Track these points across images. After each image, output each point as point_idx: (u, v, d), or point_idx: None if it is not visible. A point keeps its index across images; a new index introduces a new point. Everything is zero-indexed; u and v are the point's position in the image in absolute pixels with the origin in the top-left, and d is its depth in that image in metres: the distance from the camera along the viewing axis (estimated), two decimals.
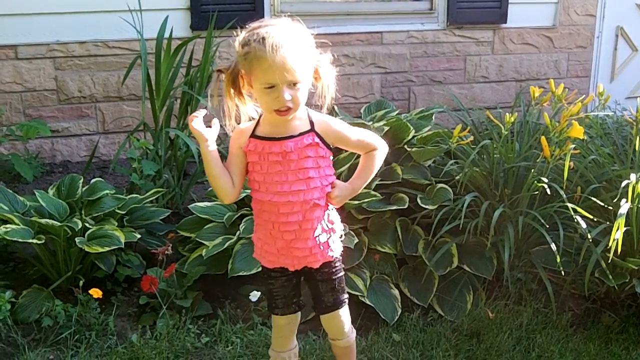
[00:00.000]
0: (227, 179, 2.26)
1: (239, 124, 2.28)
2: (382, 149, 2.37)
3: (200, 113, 2.19)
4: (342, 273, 2.45)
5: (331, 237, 2.35)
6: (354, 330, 2.61)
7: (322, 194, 2.28)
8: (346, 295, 2.50)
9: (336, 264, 2.42)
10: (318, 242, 2.30)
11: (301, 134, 2.21)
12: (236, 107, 2.25)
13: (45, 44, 5.03)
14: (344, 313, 2.51)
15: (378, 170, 2.42)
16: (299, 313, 2.53)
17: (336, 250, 2.39)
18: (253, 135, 2.24)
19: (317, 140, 2.22)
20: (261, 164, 2.23)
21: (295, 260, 2.33)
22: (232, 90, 2.22)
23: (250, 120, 2.29)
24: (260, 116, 2.27)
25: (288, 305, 2.45)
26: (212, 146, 2.20)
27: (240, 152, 2.27)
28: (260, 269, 3.19)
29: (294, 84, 2.09)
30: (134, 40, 4.80)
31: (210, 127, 2.21)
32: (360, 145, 2.35)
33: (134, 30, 4.23)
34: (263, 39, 2.04)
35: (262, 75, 2.07)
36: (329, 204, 2.32)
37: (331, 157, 2.30)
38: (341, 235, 2.42)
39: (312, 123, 2.23)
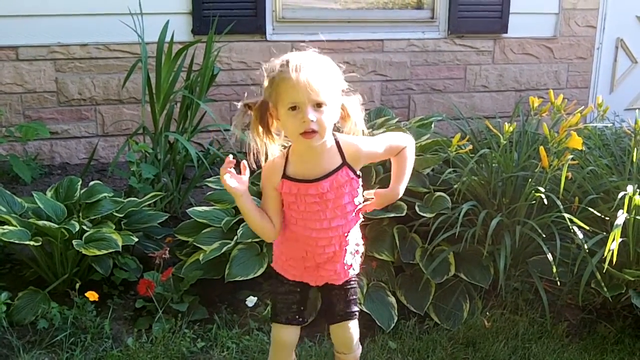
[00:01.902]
0: (267, 223, 2.25)
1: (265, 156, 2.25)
2: (410, 145, 2.34)
3: (230, 165, 2.13)
4: (356, 286, 2.47)
5: (355, 258, 2.38)
6: (360, 346, 2.62)
7: (357, 220, 2.30)
8: (357, 308, 2.50)
9: (353, 279, 2.44)
10: (345, 264, 2.33)
11: (334, 171, 2.18)
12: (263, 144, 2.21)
13: (46, 45, 5.04)
14: (354, 326, 2.51)
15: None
16: (300, 329, 2.49)
17: (357, 268, 2.42)
18: (285, 176, 2.20)
19: (351, 175, 2.21)
20: (298, 204, 2.21)
21: (319, 279, 2.35)
22: (260, 128, 2.18)
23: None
24: (287, 152, 2.22)
25: (293, 316, 2.43)
26: (247, 198, 2.18)
27: (275, 193, 2.24)
28: (257, 274, 3.23)
29: (318, 105, 2.04)
30: (135, 44, 4.80)
31: (237, 164, 2.16)
32: (389, 151, 2.32)
33: (136, 34, 4.24)
34: (287, 61, 2.04)
35: (286, 96, 2.03)
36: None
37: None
38: (362, 254, 2.44)
39: (341, 152, 2.20)
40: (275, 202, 2.26)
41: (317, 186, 2.17)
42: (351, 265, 2.37)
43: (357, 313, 2.50)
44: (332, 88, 2.09)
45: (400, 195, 2.37)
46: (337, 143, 2.20)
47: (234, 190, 2.14)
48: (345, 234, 2.26)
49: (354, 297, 2.47)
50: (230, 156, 2.11)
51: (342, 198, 2.20)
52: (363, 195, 2.31)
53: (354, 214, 2.26)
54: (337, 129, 2.23)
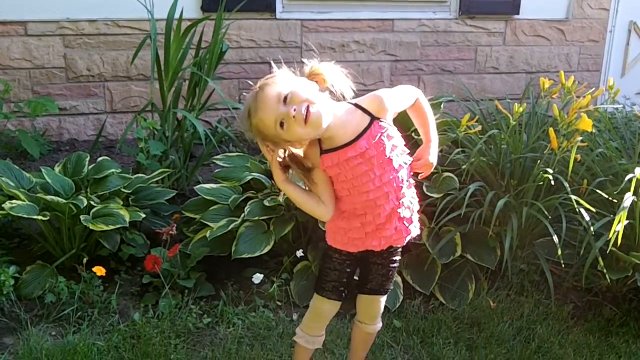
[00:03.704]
0: (315, 202, 2.26)
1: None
2: (420, 94, 2.37)
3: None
4: (397, 264, 2.47)
5: (413, 212, 2.35)
6: (381, 322, 2.63)
7: (408, 171, 2.29)
8: (392, 286, 2.53)
9: (399, 253, 2.45)
10: (403, 219, 2.31)
11: (367, 128, 2.18)
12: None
13: (55, 21, 5.04)
14: (383, 300, 2.54)
15: None
16: (340, 303, 2.50)
17: (417, 224, 2.39)
18: (323, 151, 2.21)
19: (383, 125, 2.20)
20: (344, 174, 2.20)
21: (383, 240, 2.32)
22: (300, 171, 2.24)
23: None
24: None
25: (339, 292, 2.44)
26: (287, 180, 2.23)
27: (319, 172, 2.25)
28: (264, 252, 3.24)
29: (285, 99, 2.06)
30: (144, 20, 4.80)
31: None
32: (407, 100, 2.33)
33: (145, 10, 4.22)
34: (247, 114, 2.13)
35: (269, 127, 2.09)
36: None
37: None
38: (418, 211, 2.41)
39: (366, 112, 2.20)
40: (321, 180, 2.26)
41: (355, 147, 2.16)
42: (411, 219, 2.34)
43: (390, 289, 2.53)
44: (281, 84, 2.10)
45: (437, 140, 2.41)
46: (357, 105, 2.21)
47: (279, 173, 2.22)
48: (400, 186, 2.25)
49: (393, 275, 2.49)
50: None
51: (384, 151, 2.18)
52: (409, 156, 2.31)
53: (403, 162, 2.24)
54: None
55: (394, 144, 2.22)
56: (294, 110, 2.05)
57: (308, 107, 2.06)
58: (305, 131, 2.10)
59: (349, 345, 2.79)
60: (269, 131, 2.11)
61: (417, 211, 2.40)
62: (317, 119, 2.07)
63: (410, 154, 2.33)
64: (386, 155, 2.19)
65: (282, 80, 2.11)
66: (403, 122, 3.71)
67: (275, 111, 2.06)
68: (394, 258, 2.44)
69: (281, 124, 2.07)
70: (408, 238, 2.38)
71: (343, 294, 2.46)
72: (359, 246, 2.35)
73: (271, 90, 2.08)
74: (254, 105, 2.10)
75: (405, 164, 2.26)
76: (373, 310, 2.55)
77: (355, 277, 2.53)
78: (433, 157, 2.37)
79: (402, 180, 2.25)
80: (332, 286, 2.44)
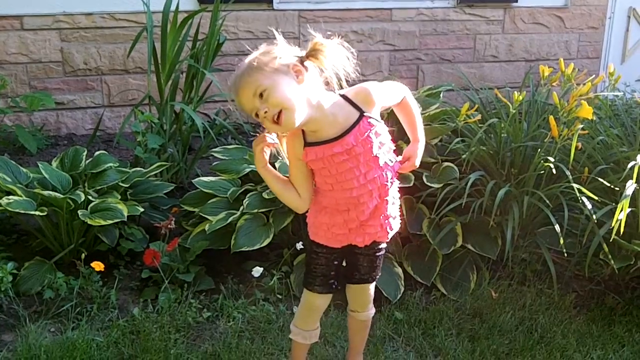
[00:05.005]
0: (291, 193, 2.25)
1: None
2: (408, 92, 2.34)
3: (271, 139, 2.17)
4: (384, 251, 2.45)
5: (394, 207, 2.33)
6: (374, 308, 2.61)
7: (394, 169, 2.26)
8: (380, 272, 2.51)
9: (384, 243, 2.42)
10: (388, 216, 2.29)
11: (355, 124, 2.13)
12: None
13: (51, 15, 5.01)
14: (372, 287, 2.52)
15: None
16: (332, 295, 2.48)
17: (398, 219, 2.37)
18: (307, 144, 2.17)
19: (372, 122, 2.15)
20: (329, 169, 2.17)
21: (367, 236, 2.30)
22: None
23: None
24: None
25: (329, 285, 2.42)
26: (267, 167, 2.20)
27: (300, 163, 2.21)
28: (263, 244, 3.22)
29: (261, 95, 2.02)
30: (140, 13, 4.77)
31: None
32: (394, 96, 2.29)
33: (141, 3, 4.19)
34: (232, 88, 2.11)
35: (244, 111, 2.08)
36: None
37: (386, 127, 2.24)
38: (400, 207, 2.39)
39: (354, 105, 2.15)
40: (301, 173, 2.23)
41: (342, 143, 2.13)
42: (394, 216, 2.33)
43: (379, 276, 2.51)
44: (263, 73, 2.04)
45: (424, 140, 2.37)
46: (345, 97, 2.17)
47: (260, 159, 2.18)
48: (385, 184, 2.22)
49: (381, 262, 2.47)
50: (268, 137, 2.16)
51: (371, 149, 2.15)
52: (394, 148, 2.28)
53: (388, 159, 2.21)
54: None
55: (382, 141, 2.19)
56: (265, 112, 2.02)
57: (281, 114, 2.02)
58: (275, 128, 2.08)
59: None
60: (244, 112, 2.10)
61: (400, 206, 2.38)
62: (287, 123, 2.04)
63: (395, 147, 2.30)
64: (373, 153, 2.16)
65: (266, 66, 2.04)
66: None
67: (251, 102, 2.04)
68: (380, 247, 2.42)
69: (256, 114, 2.06)
70: (392, 234, 2.36)
71: (333, 286, 2.44)
72: (343, 241, 2.33)
73: (251, 79, 2.02)
74: (235, 85, 2.07)
75: (391, 161, 2.23)
76: (363, 298, 2.54)
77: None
78: (418, 158, 2.33)
79: (387, 178, 2.22)
80: (321, 280, 2.41)
